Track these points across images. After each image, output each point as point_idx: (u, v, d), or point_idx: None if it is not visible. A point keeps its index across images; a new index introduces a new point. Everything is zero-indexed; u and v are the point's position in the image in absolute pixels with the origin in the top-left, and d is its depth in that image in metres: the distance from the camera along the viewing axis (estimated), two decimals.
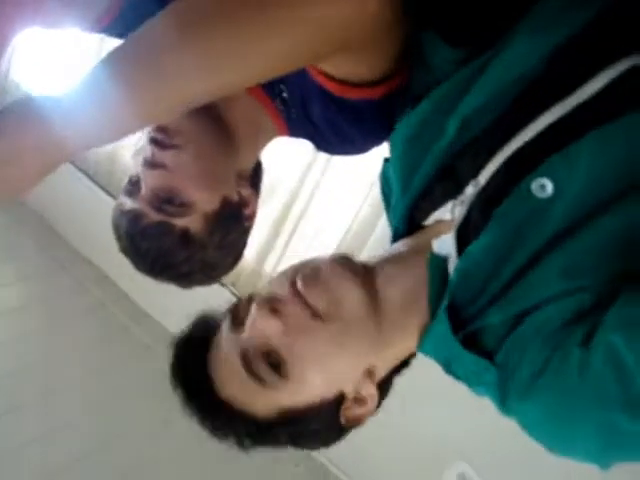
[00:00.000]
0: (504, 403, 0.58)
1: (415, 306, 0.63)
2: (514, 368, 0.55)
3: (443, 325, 0.59)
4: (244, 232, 0.98)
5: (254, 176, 0.98)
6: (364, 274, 0.64)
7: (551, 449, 0.56)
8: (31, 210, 2.55)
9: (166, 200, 0.86)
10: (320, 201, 2.00)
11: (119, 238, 0.89)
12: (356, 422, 0.67)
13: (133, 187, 0.88)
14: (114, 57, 0.55)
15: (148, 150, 0.87)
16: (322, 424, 0.65)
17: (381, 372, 0.66)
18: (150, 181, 0.86)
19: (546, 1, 0.56)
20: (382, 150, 0.84)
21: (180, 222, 0.87)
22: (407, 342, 0.65)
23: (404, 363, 0.69)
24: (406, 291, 0.64)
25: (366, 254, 1.90)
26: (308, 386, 0.62)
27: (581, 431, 0.52)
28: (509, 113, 0.56)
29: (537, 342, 0.53)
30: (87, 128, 0.56)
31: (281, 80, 0.86)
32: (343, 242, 1.99)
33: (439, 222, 0.67)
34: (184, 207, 0.86)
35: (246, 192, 0.95)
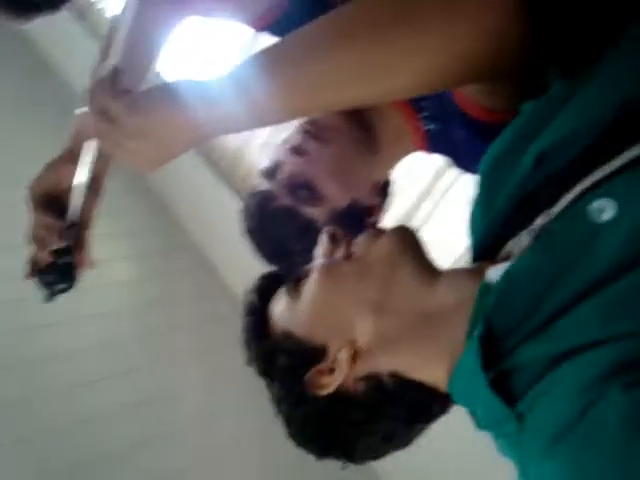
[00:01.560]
0: (522, 464, 0.49)
1: (452, 323, 0.57)
2: (535, 420, 0.46)
3: (473, 357, 0.51)
4: None
5: (384, 189, 0.98)
6: (424, 258, 0.64)
7: None
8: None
9: (301, 187, 0.89)
10: (444, 211, 1.96)
11: (247, 217, 0.94)
12: (312, 388, 0.62)
13: (273, 170, 0.92)
14: (267, 52, 0.57)
15: (296, 138, 0.92)
16: (291, 359, 0.65)
17: (377, 364, 0.60)
18: (291, 166, 0.91)
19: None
20: None
21: (308, 211, 0.90)
22: (430, 360, 0.58)
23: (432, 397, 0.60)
24: (455, 302, 0.58)
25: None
26: (305, 316, 0.65)
27: None
28: (592, 148, 0.50)
29: (571, 392, 0.44)
30: (226, 113, 0.58)
31: (424, 96, 0.85)
32: (465, 255, 1.94)
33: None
34: (315, 197, 0.90)
35: (374, 201, 0.96)
